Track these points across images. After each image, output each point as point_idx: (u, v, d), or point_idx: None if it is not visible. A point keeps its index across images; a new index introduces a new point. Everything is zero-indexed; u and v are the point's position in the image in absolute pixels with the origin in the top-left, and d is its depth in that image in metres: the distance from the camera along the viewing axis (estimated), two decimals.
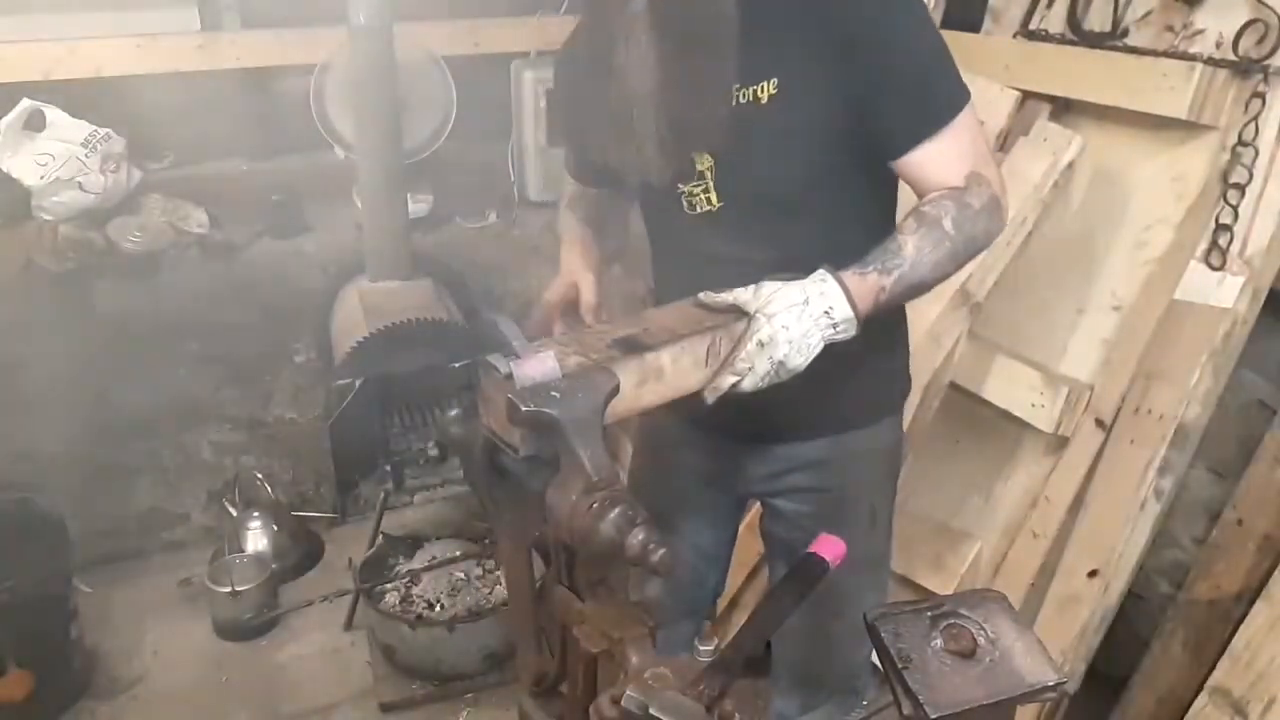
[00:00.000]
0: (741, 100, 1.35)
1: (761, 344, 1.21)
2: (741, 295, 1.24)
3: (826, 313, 1.22)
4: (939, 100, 1.35)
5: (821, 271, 1.25)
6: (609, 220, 1.72)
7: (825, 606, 1.67)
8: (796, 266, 1.31)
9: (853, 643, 1.73)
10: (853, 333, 1.25)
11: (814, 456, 1.60)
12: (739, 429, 1.56)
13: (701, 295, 1.28)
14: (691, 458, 1.69)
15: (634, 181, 1.42)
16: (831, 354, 1.25)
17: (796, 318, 1.21)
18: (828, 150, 1.38)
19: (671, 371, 1.21)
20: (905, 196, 1.47)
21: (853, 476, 1.63)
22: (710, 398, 1.24)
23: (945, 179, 1.34)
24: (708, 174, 1.42)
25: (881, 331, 1.45)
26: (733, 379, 1.23)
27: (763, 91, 1.34)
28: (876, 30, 1.31)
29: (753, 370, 1.22)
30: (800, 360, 1.22)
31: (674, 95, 1.28)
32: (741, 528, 1.91)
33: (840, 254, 1.33)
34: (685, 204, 1.45)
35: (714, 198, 1.43)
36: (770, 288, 1.23)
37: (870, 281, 1.27)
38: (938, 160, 1.34)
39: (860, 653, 1.77)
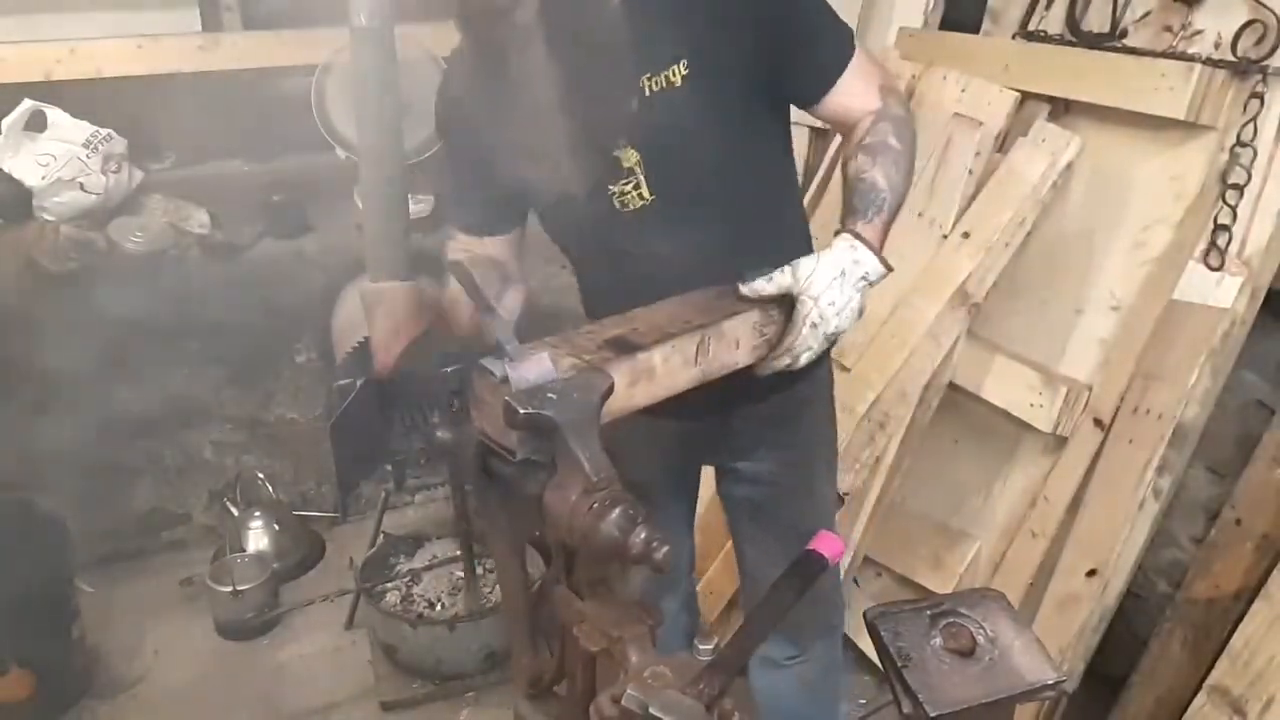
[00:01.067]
0: (654, 89, 1.36)
1: (814, 325, 1.29)
2: (783, 281, 1.29)
3: (863, 277, 1.31)
4: (839, 41, 1.46)
5: (847, 237, 1.33)
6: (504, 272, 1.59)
7: (789, 555, 1.72)
8: (736, 247, 1.38)
9: (824, 581, 1.79)
10: (883, 274, 1.34)
11: (769, 414, 1.63)
12: (695, 403, 1.56)
13: (742, 288, 1.31)
14: (648, 434, 1.69)
15: (551, 200, 1.42)
16: None
17: (839, 290, 1.29)
18: (747, 119, 1.43)
19: (662, 370, 1.22)
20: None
21: (806, 423, 1.71)
22: (763, 372, 1.34)
23: (866, 103, 1.45)
24: (637, 169, 1.42)
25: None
26: (789, 360, 1.31)
27: (675, 75, 1.36)
28: None
29: (810, 349, 1.31)
30: (847, 324, 1.31)
31: (579, 98, 1.24)
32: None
33: (778, 222, 1.47)
34: (617, 204, 1.44)
35: (645, 191, 1.43)
36: (807, 267, 1.29)
37: (877, 226, 1.35)
38: (854, 89, 1.45)
39: (833, 590, 1.89)
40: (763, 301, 1.31)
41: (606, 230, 1.47)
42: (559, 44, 1.20)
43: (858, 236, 1.32)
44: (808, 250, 1.35)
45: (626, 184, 1.43)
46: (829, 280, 1.29)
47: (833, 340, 1.33)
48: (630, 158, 1.41)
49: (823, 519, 1.81)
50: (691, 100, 1.37)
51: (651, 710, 0.95)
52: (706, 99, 1.38)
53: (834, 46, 1.45)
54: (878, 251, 1.33)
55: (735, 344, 1.32)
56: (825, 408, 1.77)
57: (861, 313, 1.34)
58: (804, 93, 1.46)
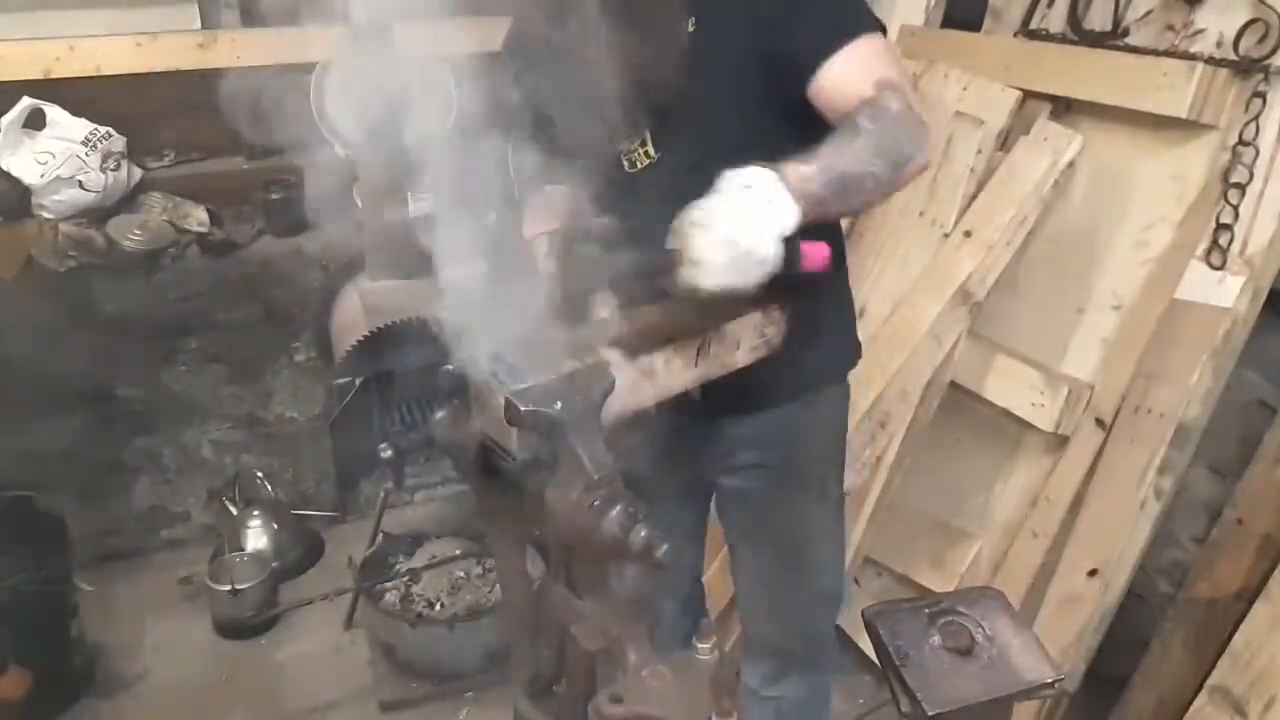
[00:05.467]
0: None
1: (695, 223, 1.15)
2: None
3: (746, 187, 1.16)
4: (844, 19, 1.35)
5: (753, 169, 1.19)
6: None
7: (786, 579, 1.71)
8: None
9: (815, 614, 1.79)
10: (795, 215, 1.17)
11: (761, 431, 1.61)
12: (688, 405, 1.55)
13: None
14: (647, 439, 1.68)
15: (588, 150, 1.41)
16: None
17: (719, 198, 1.16)
18: (748, 82, 1.39)
19: (664, 372, 1.22)
20: None
21: (800, 449, 1.66)
22: (679, 291, 1.18)
23: (859, 91, 1.31)
24: (646, 130, 1.43)
25: (823, 300, 1.48)
26: (690, 270, 1.15)
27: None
28: None
29: (708, 259, 1.14)
30: (758, 241, 1.14)
31: (632, 42, 1.28)
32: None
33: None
34: (625, 163, 1.46)
35: (651, 149, 1.44)
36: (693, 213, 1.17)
37: (791, 168, 1.20)
38: (846, 75, 1.32)
39: (823, 625, 1.83)
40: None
41: (613, 190, 1.45)
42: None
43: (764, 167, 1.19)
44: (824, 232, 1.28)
45: (635, 142, 1.44)
46: (716, 197, 1.16)
47: (745, 264, 1.14)
48: (639, 119, 1.41)
49: (819, 558, 1.76)
50: (695, 59, 1.36)
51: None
52: (710, 60, 1.36)
53: (832, 22, 1.35)
54: (779, 173, 1.17)
55: (736, 344, 1.32)
56: (823, 444, 1.70)
57: (766, 246, 1.15)
58: (793, 71, 1.36)
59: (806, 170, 1.21)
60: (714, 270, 1.14)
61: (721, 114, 1.40)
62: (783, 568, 1.74)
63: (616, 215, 1.49)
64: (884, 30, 1.40)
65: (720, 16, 1.35)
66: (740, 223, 1.14)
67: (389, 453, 1.18)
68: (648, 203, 1.42)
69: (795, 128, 1.45)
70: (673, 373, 1.24)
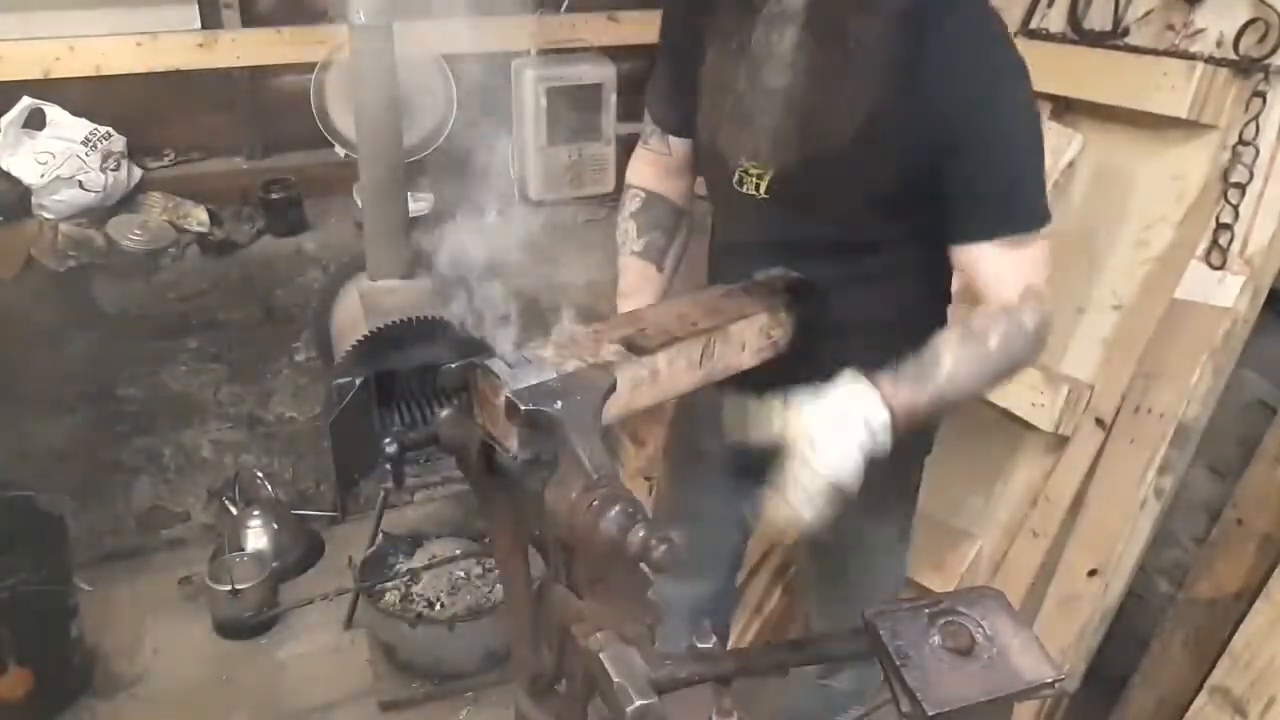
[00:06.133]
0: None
1: (812, 474, 1.15)
2: (775, 425, 1.19)
3: (865, 421, 1.16)
4: (1024, 206, 1.32)
5: (862, 382, 1.19)
6: (676, 229, 1.63)
7: (850, 576, 1.70)
8: (820, 271, 1.34)
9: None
10: (889, 441, 1.18)
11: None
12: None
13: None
14: (720, 441, 1.66)
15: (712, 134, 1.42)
16: None
17: (835, 432, 1.15)
18: (884, 209, 1.36)
19: (667, 374, 1.21)
20: None
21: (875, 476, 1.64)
22: (768, 530, 1.23)
23: (1001, 289, 1.30)
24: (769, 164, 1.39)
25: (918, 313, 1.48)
26: (788, 512, 1.16)
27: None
28: (989, 110, 1.27)
29: (809, 501, 1.15)
30: (846, 476, 1.15)
31: (807, 100, 1.26)
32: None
33: (870, 282, 1.36)
34: (737, 178, 1.43)
35: (763, 187, 1.41)
36: (801, 407, 1.18)
37: (903, 394, 1.20)
38: (997, 268, 1.31)
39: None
40: (770, 302, 1.29)
41: (725, 196, 1.47)
42: (817, 45, 1.23)
43: (876, 386, 1.18)
44: (922, 321, 1.30)
45: (755, 168, 1.40)
46: (825, 419, 1.16)
47: (835, 497, 1.16)
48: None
49: (884, 571, 1.76)
50: (845, 164, 1.31)
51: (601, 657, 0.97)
52: (860, 174, 1.32)
53: (1000, 209, 1.31)
54: (891, 408, 1.17)
55: (741, 346, 1.31)
56: (908, 457, 1.64)
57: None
58: (948, 226, 1.33)
59: (915, 397, 1.21)
60: (811, 509, 1.15)
61: (844, 213, 1.38)
62: (851, 565, 1.74)
63: (723, 218, 1.56)
64: (1049, 218, 1.36)
65: (893, 125, 1.27)
66: (839, 463, 1.15)
67: (393, 447, 1.17)
68: (753, 224, 1.45)
69: (906, 235, 1.41)
70: (676, 374, 1.23)
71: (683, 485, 1.81)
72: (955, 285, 1.54)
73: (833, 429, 1.15)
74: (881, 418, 1.17)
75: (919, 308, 1.50)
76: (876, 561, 1.75)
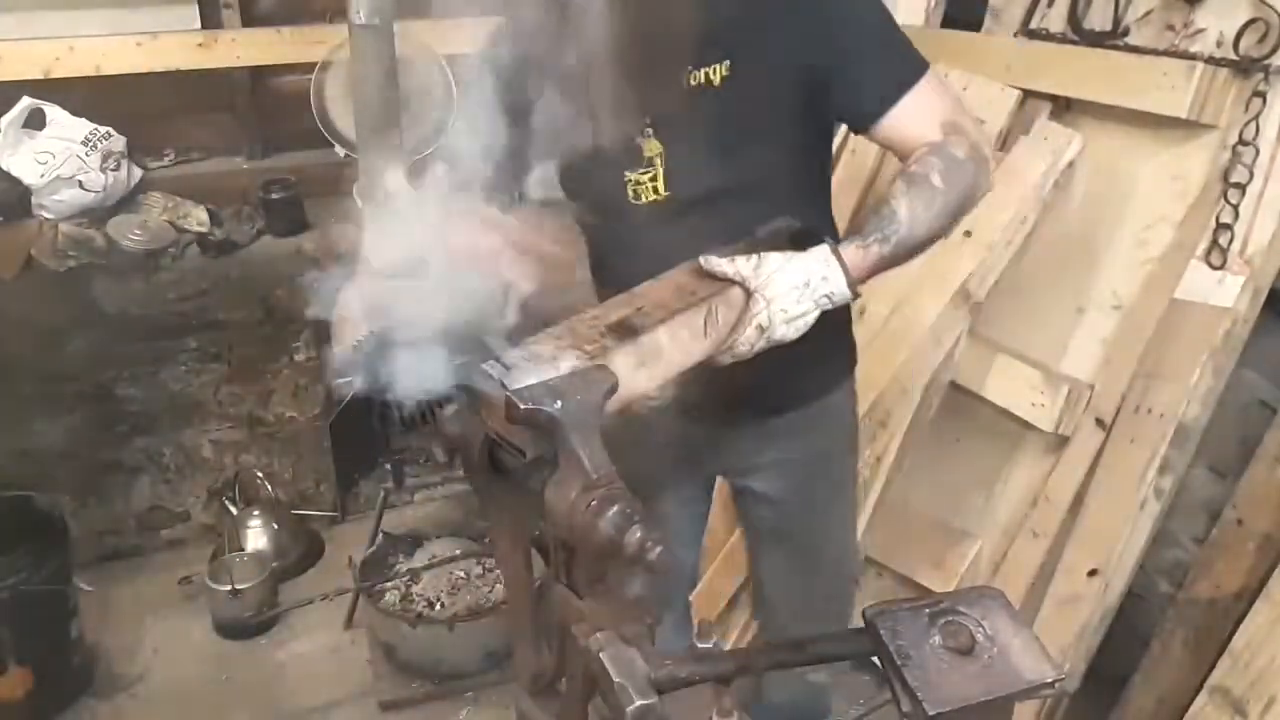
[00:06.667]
0: (693, 83, 1.33)
1: (761, 328, 1.21)
2: (744, 268, 1.21)
3: (827, 295, 1.22)
4: (905, 62, 1.36)
5: (825, 250, 1.23)
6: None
7: (806, 572, 1.74)
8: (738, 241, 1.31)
9: (834, 607, 1.80)
10: (847, 302, 1.25)
11: (784, 429, 1.61)
12: (708, 411, 1.56)
13: (702, 260, 1.24)
14: (659, 439, 1.68)
15: (570, 167, 1.41)
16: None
17: (796, 300, 1.20)
18: (778, 133, 1.38)
19: (670, 347, 1.19)
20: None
21: (821, 446, 1.66)
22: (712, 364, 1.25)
23: (923, 134, 1.33)
24: (657, 161, 1.39)
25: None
26: (728, 359, 1.23)
27: (715, 74, 1.33)
28: (835, 3, 1.33)
29: (748, 350, 1.23)
30: (792, 335, 1.22)
31: (621, 67, 1.26)
32: (733, 538, 1.92)
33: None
34: (630, 193, 1.42)
35: (660, 187, 1.40)
36: (772, 264, 1.21)
37: (872, 253, 1.26)
38: (914, 117, 1.34)
39: (843, 615, 1.82)
40: (720, 281, 1.28)
41: (615, 217, 1.45)
42: (626, 7, 1.22)
43: (837, 255, 1.23)
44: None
45: (644, 174, 1.40)
46: (789, 286, 1.20)
47: (769, 345, 1.23)
48: (653, 148, 1.38)
49: (840, 544, 1.79)
50: (726, 103, 1.34)
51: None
52: (740, 104, 1.34)
53: (892, 69, 1.35)
54: (850, 277, 1.23)
55: (744, 305, 1.28)
56: (842, 437, 1.72)
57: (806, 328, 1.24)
58: (854, 116, 1.39)
59: (881, 251, 1.26)
60: (746, 355, 1.22)
61: (748, 160, 1.38)
62: (807, 563, 1.76)
63: (614, 243, 1.51)
64: (928, 62, 1.39)
65: (760, 61, 1.32)
66: (791, 328, 1.21)
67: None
68: (649, 241, 1.40)
69: (820, 156, 1.47)
70: (682, 346, 1.20)
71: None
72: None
73: (793, 299, 1.20)
74: (842, 292, 1.22)
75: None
76: (837, 539, 1.77)
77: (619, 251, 1.51)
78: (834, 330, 1.51)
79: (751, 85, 1.33)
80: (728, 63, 1.32)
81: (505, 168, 1.42)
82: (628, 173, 1.40)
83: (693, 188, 1.40)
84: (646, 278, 1.29)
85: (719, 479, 1.85)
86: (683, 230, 1.39)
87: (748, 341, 1.22)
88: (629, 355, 1.15)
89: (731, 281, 1.23)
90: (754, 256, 1.22)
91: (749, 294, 1.21)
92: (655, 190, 1.41)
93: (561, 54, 1.27)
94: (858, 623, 1.07)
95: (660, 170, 1.39)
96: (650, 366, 1.18)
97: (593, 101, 1.30)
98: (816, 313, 1.22)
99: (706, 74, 1.33)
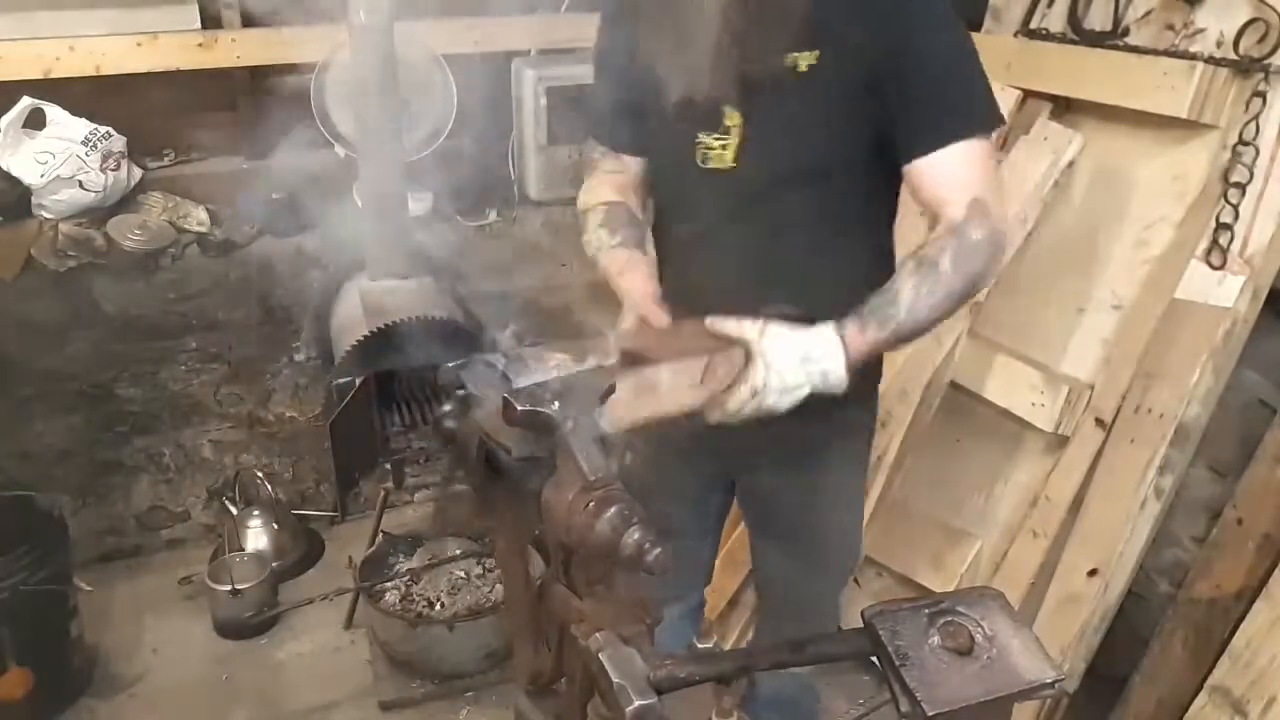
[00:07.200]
0: (786, 64, 1.35)
1: (755, 391, 1.23)
2: (749, 331, 1.25)
3: (824, 373, 1.25)
4: (966, 114, 1.35)
5: (829, 330, 1.26)
6: (644, 228, 1.64)
7: (804, 572, 1.75)
8: (791, 236, 1.38)
9: (828, 610, 1.81)
10: (839, 391, 1.28)
11: (793, 432, 1.60)
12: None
13: (709, 320, 1.28)
14: (669, 436, 1.69)
15: (655, 117, 1.44)
16: None
17: (793, 371, 1.24)
18: (850, 132, 1.39)
19: (668, 386, 1.23)
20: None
21: (833, 449, 1.66)
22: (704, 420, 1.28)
23: (948, 197, 1.33)
24: (733, 130, 1.41)
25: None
26: (719, 417, 1.26)
27: (803, 62, 1.35)
28: (925, 25, 1.33)
29: (740, 414, 1.25)
30: (783, 407, 1.25)
31: (739, 30, 1.30)
32: (734, 538, 1.92)
33: (837, 234, 1.41)
34: (699, 156, 1.44)
35: (730, 156, 1.42)
36: (775, 332, 1.24)
37: (869, 338, 1.29)
38: (946, 175, 1.34)
39: (832, 601, 1.84)
40: (721, 341, 1.29)
41: (677, 178, 1.48)
42: None
43: (842, 337, 1.26)
44: (873, 287, 1.32)
45: (717, 140, 1.42)
46: (790, 355, 1.23)
47: (759, 412, 1.25)
48: (734, 118, 1.40)
49: (844, 547, 1.79)
50: (808, 91, 1.35)
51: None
52: (821, 97, 1.36)
53: (950, 116, 1.34)
54: (849, 362, 1.26)
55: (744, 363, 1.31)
56: (855, 445, 1.72)
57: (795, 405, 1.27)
58: (900, 144, 1.37)
59: (878, 336, 1.29)
60: (737, 420, 1.25)
61: (816, 148, 1.40)
62: (805, 559, 1.76)
63: (677, 206, 1.55)
64: (1001, 121, 1.39)
65: (845, 60, 1.34)
66: (783, 399, 1.25)
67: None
68: (710, 205, 1.46)
69: (875, 178, 1.45)
70: (678, 390, 1.24)
71: (652, 499, 1.81)
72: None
73: (791, 369, 1.23)
74: (838, 374, 1.25)
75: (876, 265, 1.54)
76: (837, 535, 1.77)
77: (675, 217, 1.55)
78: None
79: (833, 80, 1.35)
80: (817, 53, 1.34)
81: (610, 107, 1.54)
82: (701, 134, 1.42)
83: (759, 165, 1.42)
84: (699, 242, 1.37)
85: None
86: (740, 200, 1.43)
87: (739, 401, 1.24)
88: (629, 381, 1.17)
89: (733, 342, 1.26)
90: (760, 321, 1.25)
91: (750, 356, 1.24)
92: (723, 159, 1.42)
93: (678, 5, 1.33)
94: (856, 622, 1.07)
95: (734, 140, 1.41)
96: (646, 398, 1.21)
97: (693, 57, 1.33)
98: (808, 389, 1.25)
99: (797, 60, 1.35)
